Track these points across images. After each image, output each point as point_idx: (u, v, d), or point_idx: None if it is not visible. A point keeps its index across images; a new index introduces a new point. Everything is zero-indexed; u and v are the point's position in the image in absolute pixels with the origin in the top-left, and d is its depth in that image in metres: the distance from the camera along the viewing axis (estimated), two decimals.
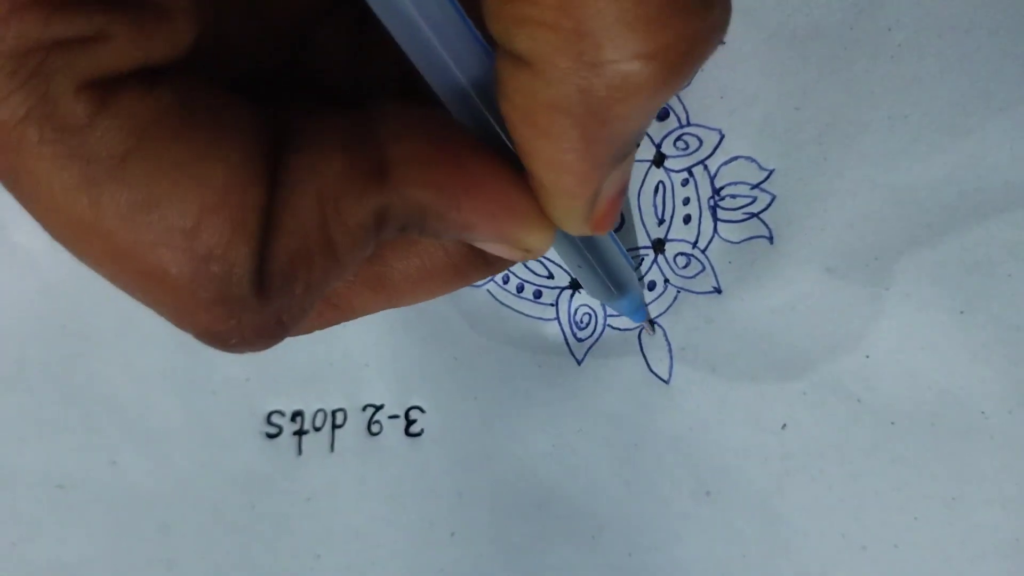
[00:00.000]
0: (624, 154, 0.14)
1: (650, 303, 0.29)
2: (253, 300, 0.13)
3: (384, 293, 0.18)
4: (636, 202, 0.28)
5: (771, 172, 0.27)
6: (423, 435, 0.29)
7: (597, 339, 0.29)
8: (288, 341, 0.29)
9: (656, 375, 0.29)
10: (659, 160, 0.28)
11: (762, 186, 0.27)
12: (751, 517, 0.28)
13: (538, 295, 0.29)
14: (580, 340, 0.29)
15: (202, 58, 0.14)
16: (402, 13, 0.13)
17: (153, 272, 0.13)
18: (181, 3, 0.13)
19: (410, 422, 0.29)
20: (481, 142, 0.15)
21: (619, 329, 0.29)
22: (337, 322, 0.18)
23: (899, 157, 0.26)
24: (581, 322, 0.29)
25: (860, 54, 0.26)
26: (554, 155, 0.13)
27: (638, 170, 0.28)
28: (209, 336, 0.14)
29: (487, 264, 0.18)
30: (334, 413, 0.29)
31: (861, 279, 0.27)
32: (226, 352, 0.15)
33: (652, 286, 0.29)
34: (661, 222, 0.28)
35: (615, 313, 0.28)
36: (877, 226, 0.27)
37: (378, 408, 0.29)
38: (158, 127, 0.12)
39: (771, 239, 0.28)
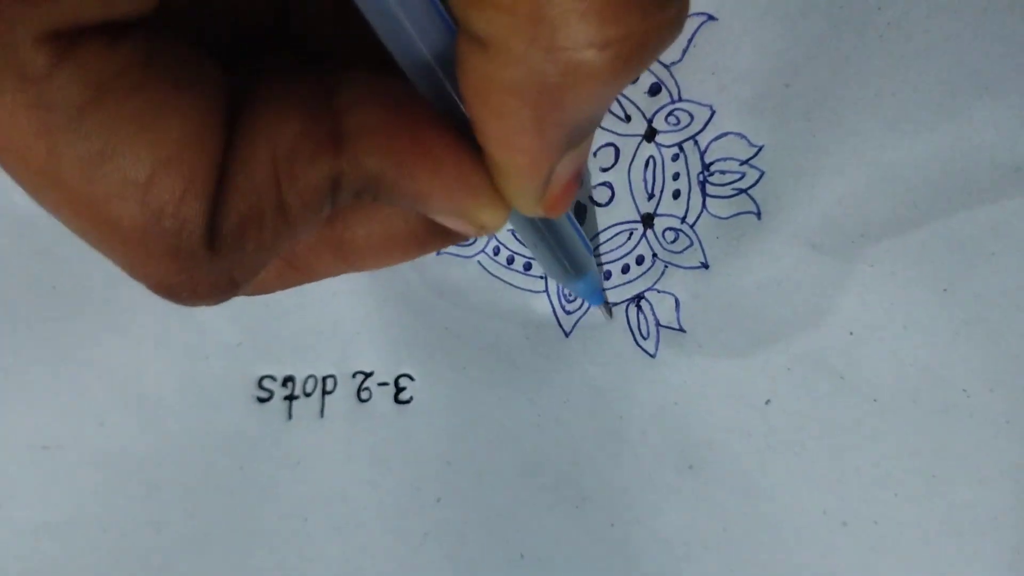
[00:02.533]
0: (578, 139, 0.15)
1: (637, 277, 0.29)
2: (204, 255, 0.14)
3: (344, 257, 0.18)
4: (627, 176, 0.29)
5: (760, 148, 0.28)
6: (412, 403, 0.29)
7: (585, 312, 0.29)
8: (281, 307, 0.30)
9: (643, 349, 0.29)
10: (650, 135, 0.28)
11: (751, 162, 0.28)
12: (733, 491, 0.29)
13: (528, 267, 0.30)
14: (568, 313, 0.29)
15: (174, 16, 0.14)
16: None
17: (107, 222, 0.13)
18: None
19: (399, 389, 0.29)
20: (442, 116, 0.15)
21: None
22: (299, 283, 0.18)
23: (886, 135, 0.27)
24: (569, 295, 0.29)
25: (849, 32, 0.26)
26: (507, 135, 0.14)
27: (629, 144, 0.29)
28: (161, 288, 0.14)
29: (446, 235, 0.18)
30: (324, 379, 0.30)
31: (846, 256, 0.27)
32: (179, 304, 0.15)
33: (640, 260, 0.29)
34: (651, 197, 0.29)
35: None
36: (863, 203, 0.27)
37: (368, 375, 0.29)
38: (118, 81, 0.13)
39: (759, 215, 0.28)
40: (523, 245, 0.29)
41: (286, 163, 0.14)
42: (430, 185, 0.15)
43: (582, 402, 0.29)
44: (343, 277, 0.29)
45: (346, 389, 0.30)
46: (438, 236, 0.18)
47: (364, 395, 0.30)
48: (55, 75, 0.12)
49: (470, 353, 0.29)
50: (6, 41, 0.12)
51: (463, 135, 0.15)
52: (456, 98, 0.15)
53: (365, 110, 0.15)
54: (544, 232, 0.21)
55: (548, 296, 0.29)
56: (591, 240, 0.29)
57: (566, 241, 0.22)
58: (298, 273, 0.18)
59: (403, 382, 0.29)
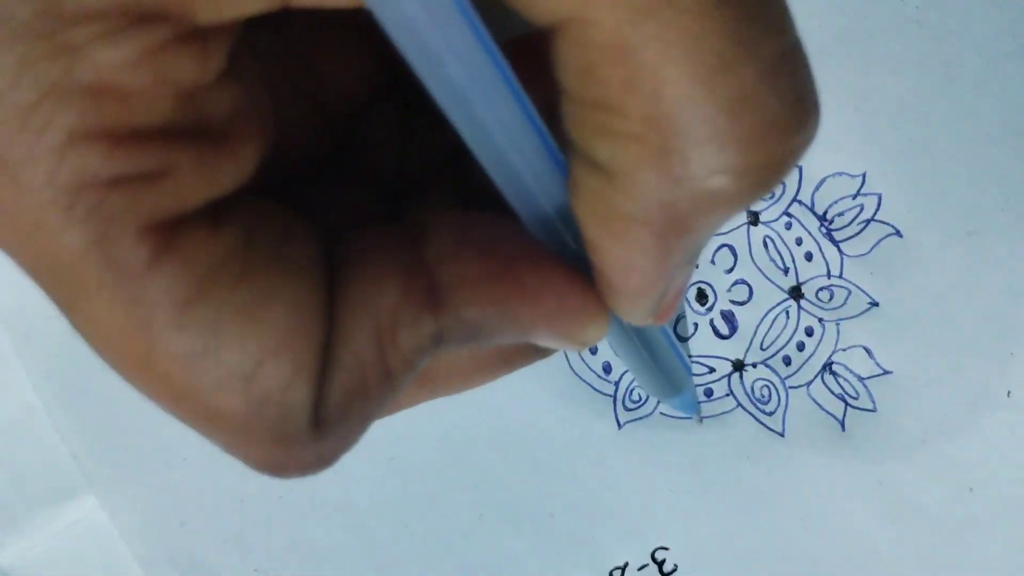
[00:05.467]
0: (696, 256, 0.14)
1: (815, 350, 0.28)
2: (309, 437, 0.13)
3: (430, 387, 0.17)
4: (755, 266, 0.28)
5: (864, 175, 0.27)
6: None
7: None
8: None
9: (864, 410, 0.28)
10: (754, 219, 0.28)
11: (863, 191, 0.27)
12: None
13: (607, 370, 0.29)
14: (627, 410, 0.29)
15: (262, 169, 0.13)
16: (471, 113, 0.12)
17: (209, 413, 0.12)
18: (248, 123, 0.13)
19: None
20: (533, 239, 0.14)
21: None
22: (380, 417, 0.17)
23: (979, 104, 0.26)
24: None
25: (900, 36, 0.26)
26: (627, 260, 0.13)
27: (740, 238, 0.28)
28: (264, 469, 0.14)
29: (538, 353, 0.17)
30: None
31: (1005, 228, 0.26)
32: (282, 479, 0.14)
33: (810, 331, 0.28)
34: (786, 271, 0.28)
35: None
36: (991, 173, 0.26)
37: None
38: (221, 271, 0.12)
39: (898, 233, 0.27)
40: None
41: (389, 331, 0.13)
42: (532, 320, 0.14)
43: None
44: None
45: None
46: (530, 354, 0.17)
47: None
48: (157, 270, 0.11)
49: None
50: (105, 234, 0.11)
51: (561, 259, 0.14)
52: (557, 222, 0.14)
53: (460, 259, 0.14)
54: (641, 349, 0.20)
55: (614, 399, 0.29)
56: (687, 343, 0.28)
57: (664, 359, 0.21)
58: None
59: None
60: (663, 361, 0.21)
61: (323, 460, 0.14)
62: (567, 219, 0.14)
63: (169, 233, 0.12)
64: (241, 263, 0.12)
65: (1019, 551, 0.27)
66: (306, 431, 0.13)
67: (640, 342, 0.20)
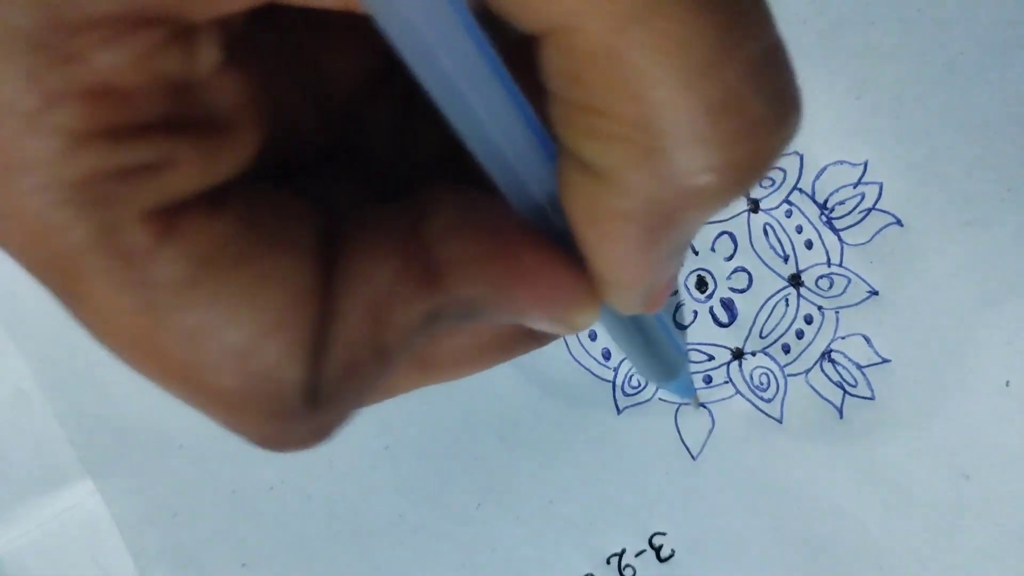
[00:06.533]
0: (683, 249, 0.14)
1: (814, 338, 0.28)
2: (305, 412, 0.13)
3: (428, 372, 0.17)
4: (755, 254, 0.28)
5: (865, 163, 0.27)
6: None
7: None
8: None
9: (860, 397, 0.28)
10: (754, 206, 0.28)
11: (864, 180, 0.27)
12: None
13: (607, 355, 0.29)
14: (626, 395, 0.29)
15: (261, 155, 0.14)
16: (462, 103, 0.13)
17: (206, 389, 0.13)
18: (246, 114, 0.13)
19: None
20: (531, 224, 0.15)
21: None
22: (379, 401, 0.17)
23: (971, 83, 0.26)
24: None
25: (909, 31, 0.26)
26: (616, 255, 0.13)
27: (740, 225, 0.28)
28: (260, 442, 0.14)
29: (533, 339, 0.17)
30: None
31: (1005, 217, 0.26)
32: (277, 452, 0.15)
33: (809, 319, 0.28)
34: (786, 259, 0.28)
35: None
36: (991, 162, 0.26)
37: None
38: (220, 253, 0.12)
39: (899, 222, 0.27)
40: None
41: (384, 308, 0.14)
42: (527, 300, 0.15)
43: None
44: None
45: None
46: (525, 341, 0.17)
47: None
48: (159, 253, 0.12)
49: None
50: (108, 220, 0.12)
51: (552, 240, 0.15)
52: (550, 210, 0.14)
53: (458, 238, 0.14)
54: (636, 335, 0.20)
55: (613, 385, 0.29)
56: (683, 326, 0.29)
57: (659, 343, 0.21)
58: (380, 393, 0.17)
59: None
60: (658, 346, 0.21)
61: (319, 434, 0.14)
62: (558, 207, 0.14)
63: (170, 218, 0.12)
64: (240, 245, 0.13)
65: (1013, 538, 0.27)
66: (301, 407, 0.13)
67: (635, 327, 0.20)
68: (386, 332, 0.14)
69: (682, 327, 0.29)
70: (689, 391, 0.27)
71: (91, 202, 0.11)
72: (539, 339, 0.18)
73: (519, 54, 0.12)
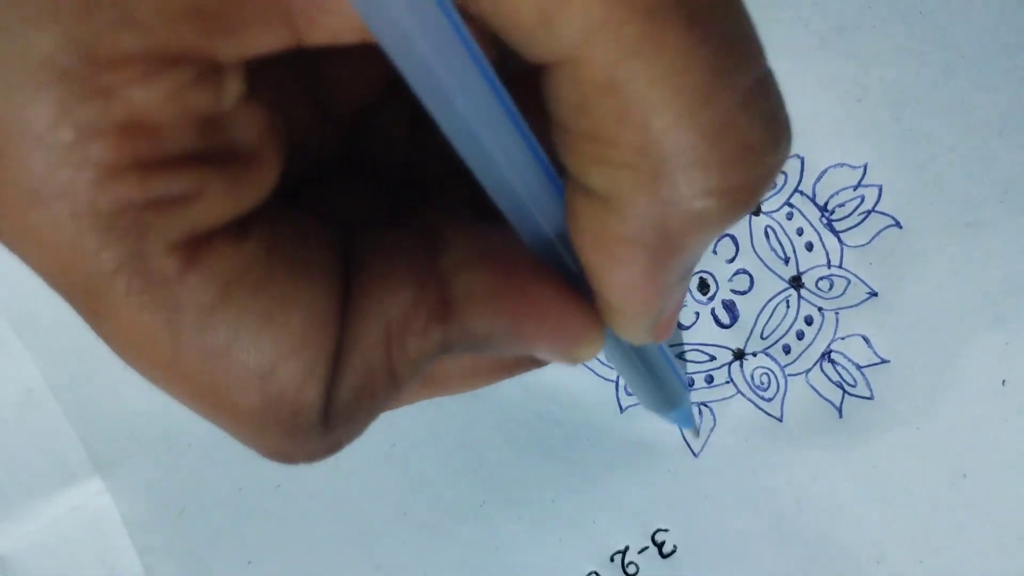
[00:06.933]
0: (690, 273, 0.15)
1: (814, 339, 0.29)
2: (319, 430, 0.14)
3: (433, 388, 0.18)
4: (756, 256, 0.29)
5: (865, 166, 0.27)
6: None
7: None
8: None
9: (860, 397, 0.28)
10: (756, 209, 0.28)
11: (864, 182, 0.27)
12: None
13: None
14: (629, 395, 0.29)
15: (281, 177, 0.14)
16: (480, 150, 0.13)
17: (225, 407, 0.13)
18: (268, 142, 0.13)
19: None
20: (540, 258, 0.15)
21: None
22: (381, 412, 0.18)
23: (967, 94, 0.26)
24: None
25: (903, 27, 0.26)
26: (624, 280, 0.14)
27: (742, 228, 0.29)
28: (273, 457, 0.15)
29: (536, 363, 0.18)
30: None
31: (1004, 220, 0.26)
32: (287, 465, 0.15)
33: (810, 320, 0.29)
34: (787, 260, 0.29)
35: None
36: (990, 165, 0.26)
37: None
38: (244, 278, 0.13)
39: (898, 224, 0.27)
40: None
41: (398, 336, 0.14)
42: (536, 335, 0.15)
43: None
44: None
45: None
46: (526, 364, 0.18)
47: None
48: (184, 279, 0.12)
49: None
50: (137, 248, 0.12)
51: (559, 275, 0.15)
52: (558, 244, 0.15)
53: (472, 273, 0.15)
54: (639, 365, 0.20)
55: (616, 388, 0.29)
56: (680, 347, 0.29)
57: (660, 375, 0.21)
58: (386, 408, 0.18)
59: None
60: (660, 376, 0.21)
61: (329, 450, 0.15)
62: (566, 241, 0.14)
63: (197, 246, 0.12)
64: (262, 270, 0.13)
65: (1011, 537, 0.27)
66: (316, 426, 0.14)
67: (637, 357, 0.20)
68: (399, 359, 0.14)
69: (683, 328, 0.29)
70: (689, 421, 0.28)
71: (121, 230, 0.12)
72: (540, 363, 0.18)
73: (524, 87, 0.13)
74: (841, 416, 0.28)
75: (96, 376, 0.29)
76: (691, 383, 0.29)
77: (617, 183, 0.12)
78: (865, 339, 0.28)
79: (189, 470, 0.29)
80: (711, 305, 0.29)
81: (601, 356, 0.29)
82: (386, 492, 0.29)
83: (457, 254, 0.15)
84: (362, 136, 0.17)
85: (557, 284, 0.15)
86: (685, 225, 0.13)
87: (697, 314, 0.29)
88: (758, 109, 0.12)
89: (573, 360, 0.16)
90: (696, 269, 0.29)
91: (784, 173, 0.28)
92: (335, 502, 0.29)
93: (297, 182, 0.16)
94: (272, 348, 0.13)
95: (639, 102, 0.11)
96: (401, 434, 0.29)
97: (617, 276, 0.14)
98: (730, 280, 0.29)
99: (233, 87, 0.12)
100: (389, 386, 0.14)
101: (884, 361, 0.28)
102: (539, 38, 0.11)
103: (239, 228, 0.13)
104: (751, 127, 0.12)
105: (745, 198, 0.13)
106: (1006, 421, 0.27)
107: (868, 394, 0.28)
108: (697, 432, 0.29)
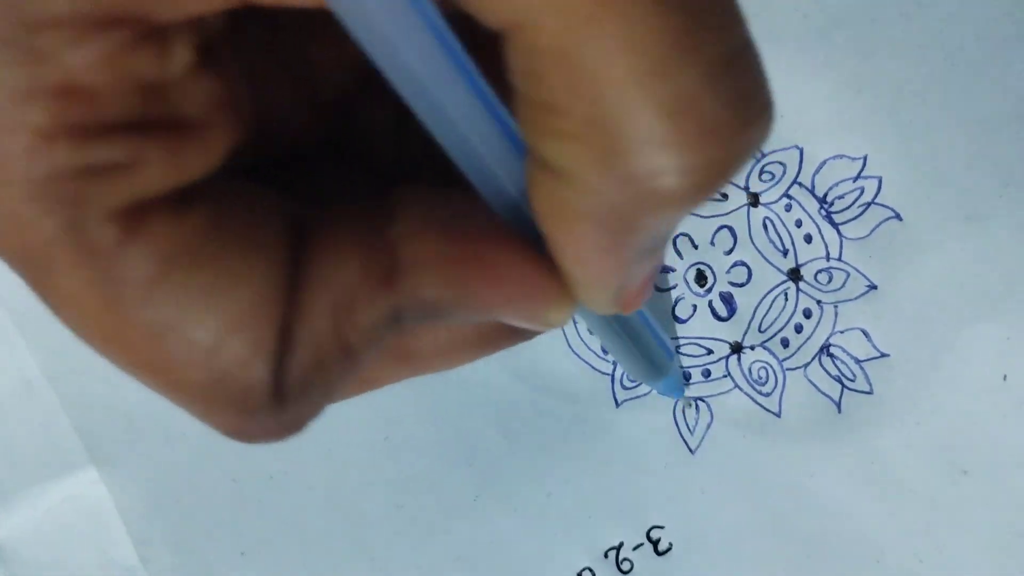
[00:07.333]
0: (653, 251, 0.14)
1: (813, 332, 0.28)
2: (271, 408, 0.14)
3: (411, 364, 0.17)
4: (754, 248, 0.28)
5: (865, 158, 0.27)
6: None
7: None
8: None
9: (857, 391, 0.28)
10: (754, 200, 0.28)
11: (863, 174, 0.27)
12: None
13: (605, 348, 0.29)
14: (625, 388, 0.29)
15: (237, 152, 0.14)
16: (429, 93, 0.13)
17: (175, 383, 0.13)
18: (220, 115, 0.13)
19: None
20: (509, 222, 0.15)
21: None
22: (362, 392, 0.18)
23: (973, 83, 0.26)
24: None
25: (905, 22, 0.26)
26: (581, 254, 0.13)
27: (739, 219, 0.28)
28: (231, 435, 0.14)
29: (515, 334, 0.17)
30: None
31: (1004, 213, 0.26)
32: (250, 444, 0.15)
33: (808, 313, 0.28)
34: (786, 253, 0.28)
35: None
36: (990, 158, 0.26)
37: None
38: (186, 252, 0.12)
39: (898, 216, 0.27)
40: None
41: (347, 307, 0.14)
42: (493, 300, 0.15)
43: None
44: None
45: None
46: (507, 335, 0.17)
47: None
48: (124, 251, 0.12)
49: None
50: (75, 217, 0.12)
51: (522, 235, 0.15)
52: (525, 208, 0.14)
53: (421, 239, 0.14)
54: (620, 333, 0.20)
55: (612, 379, 0.29)
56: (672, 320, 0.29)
57: (644, 342, 0.21)
58: (364, 385, 0.18)
59: None
60: (643, 344, 0.21)
61: (288, 428, 0.15)
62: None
63: (137, 217, 0.12)
64: (207, 244, 0.13)
65: (1011, 533, 0.27)
66: (267, 403, 0.14)
67: (618, 325, 0.20)
68: (350, 331, 0.14)
69: (680, 321, 0.29)
70: (679, 390, 0.27)
71: (58, 199, 0.12)
72: (521, 334, 0.18)
73: (495, 51, 0.12)
74: (840, 411, 0.28)
75: (93, 367, 0.29)
76: (688, 377, 0.29)
77: (570, 157, 0.12)
78: (864, 333, 0.28)
79: (184, 461, 0.29)
80: (708, 298, 0.29)
81: (596, 347, 0.29)
82: (380, 484, 0.29)
83: (408, 220, 0.14)
84: (349, 122, 0.17)
85: (520, 248, 0.14)
86: (641, 205, 0.12)
87: (694, 307, 0.29)
88: (726, 85, 0.11)
89: (543, 325, 0.16)
90: (693, 261, 0.29)
91: (783, 164, 0.28)
92: (329, 494, 0.29)
93: (277, 163, 0.16)
94: (217, 324, 0.13)
95: (591, 72, 0.11)
96: (395, 426, 0.29)
97: (574, 250, 0.13)
98: (728, 272, 0.29)
99: (181, 54, 0.12)
100: (343, 360, 0.14)
101: (884, 355, 0.28)
102: (490, 3, 0.11)
103: (182, 200, 0.13)
104: (715, 105, 0.11)
105: (710, 180, 0.12)
106: (1007, 417, 0.27)
107: (867, 389, 0.28)
108: (688, 401, 0.28)
